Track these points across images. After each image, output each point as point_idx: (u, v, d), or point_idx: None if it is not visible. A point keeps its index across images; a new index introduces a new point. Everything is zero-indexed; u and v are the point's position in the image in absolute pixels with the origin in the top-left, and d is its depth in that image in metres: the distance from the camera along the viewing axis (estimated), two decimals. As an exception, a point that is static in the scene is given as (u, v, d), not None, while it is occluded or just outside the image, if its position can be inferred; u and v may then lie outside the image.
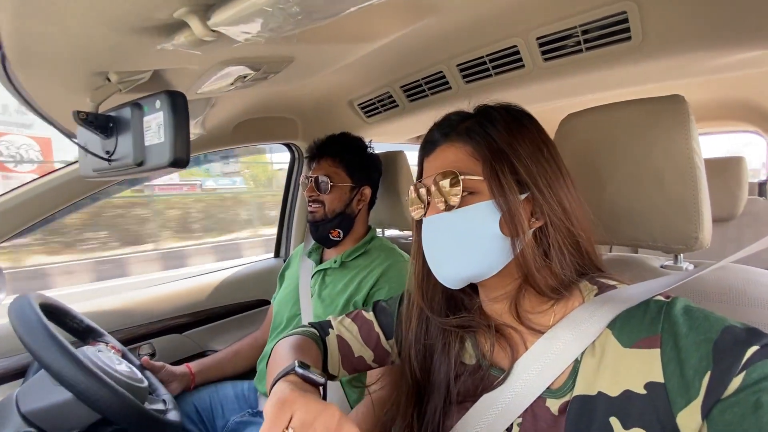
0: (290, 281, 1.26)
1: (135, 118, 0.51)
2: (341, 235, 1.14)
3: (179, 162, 0.48)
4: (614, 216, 0.68)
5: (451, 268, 0.52)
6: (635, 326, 0.45)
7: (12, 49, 0.45)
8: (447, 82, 1.10)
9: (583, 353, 0.47)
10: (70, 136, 0.62)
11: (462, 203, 0.49)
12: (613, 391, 0.43)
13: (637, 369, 0.43)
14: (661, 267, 0.71)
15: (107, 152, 0.55)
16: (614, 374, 0.44)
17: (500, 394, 0.50)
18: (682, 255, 0.70)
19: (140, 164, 0.51)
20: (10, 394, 0.78)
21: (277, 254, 1.72)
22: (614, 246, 0.93)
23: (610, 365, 0.45)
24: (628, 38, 0.78)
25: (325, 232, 1.13)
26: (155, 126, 0.49)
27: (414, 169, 0.70)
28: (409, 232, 1.35)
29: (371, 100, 1.31)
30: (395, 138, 1.68)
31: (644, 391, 0.42)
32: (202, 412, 1.15)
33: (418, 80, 1.14)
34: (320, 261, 1.22)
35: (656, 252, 0.74)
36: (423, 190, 0.53)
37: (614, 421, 0.42)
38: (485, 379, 0.53)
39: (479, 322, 0.55)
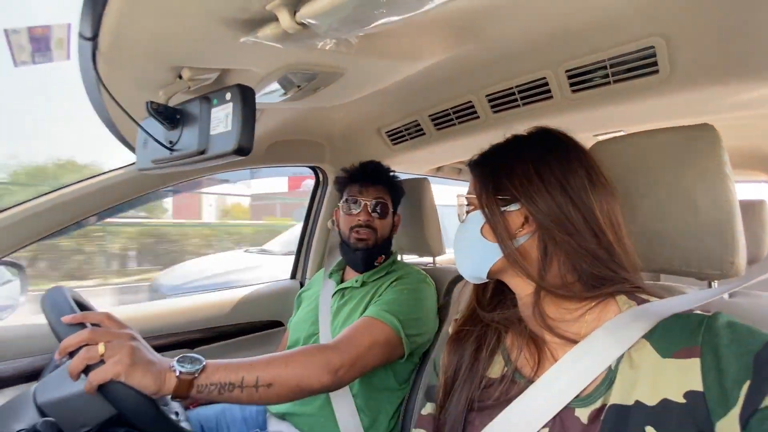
0: (309, 302, 1.25)
1: (203, 110, 0.55)
2: (383, 260, 1.15)
3: (243, 149, 0.51)
4: (645, 241, 0.68)
5: (461, 264, 0.63)
6: (674, 337, 0.46)
7: (105, 40, 0.50)
8: (475, 112, 1.15)
9: (618, 362, 0.48)
10: (126, 139, 0.66)
11: (466, 214, 0.63)
12: (651, 400, 0.44)
13: (676, 378, 0.43)
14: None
15: (170, 142, 0.58)
16: (652, 383, 0.44)
17: (526, 402, 0.51)
18: (716, 282, 0.70)
19: (203, 152, 0.54)
20: (28, 389, 0.77)
21: (293, 276, 1.71)
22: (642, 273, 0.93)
23: (649, 374, 0.45)
24: (656, 71, 0.83)
25: (374, 258, 1.13)
26: (223, 116, 0.53)
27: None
28: (429, 259, 1.35)
29: (399, 128, 1.37)
30: (417, 168, 1.73)
31: (683, 401, 0.42)
32: (208, 432, 1.10)
33: (447, 109, 1.20)
34: (341, 281, 1.22)
35: (688, 280, 0.73)
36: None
37: (651, 430, 0.42)
38: (511, 386, 0.55)
39: (515, 322, 0.60)
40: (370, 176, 1.16)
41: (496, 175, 0.59)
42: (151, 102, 0.55)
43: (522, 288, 0.59)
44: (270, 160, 1.43)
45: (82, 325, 0.65)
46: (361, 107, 1.22)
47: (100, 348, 0.60)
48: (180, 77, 0.59)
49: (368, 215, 1.12)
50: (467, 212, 0.63)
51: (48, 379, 0.78)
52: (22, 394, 0.77)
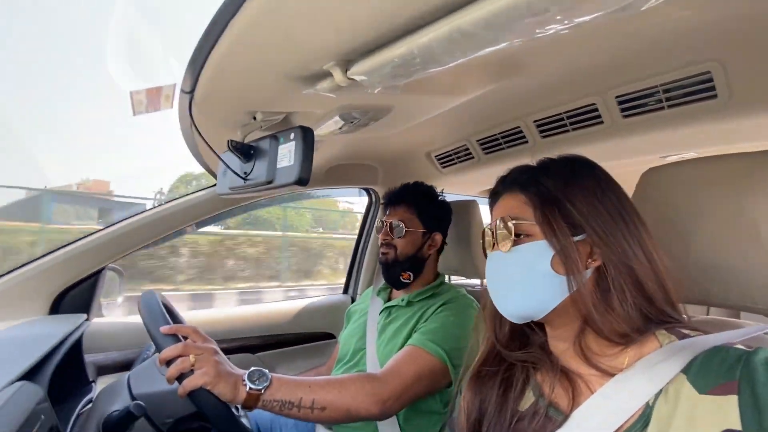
0: (358, 317, 1.31)
1: (271, 146, 0.66)
2: (411, 278, 1.19)
3: (302, 180, 0.61)
4: (703, 274, 0.65)
5: (509, 303, 0.56)
6: (712, 372, 0.44)
7: (199, 93, 0.63)
8: (524, 137, 1.17)
9: (656, 398, 0.46)
10: (209, 169, 0.78)
11: (515, 244, 0.55)
12: None
13: (714, 415, 0.42)
14: (765, 334, 0.65)
15: (245, 173, 0.70)
16: (690, 421, 0.43)
17: None
18: None
19: (270, 182, 0.65)
20: (123, 376, 0.92)
21: (345, 291, 1.80)
22: (712, 308, 0.87)
23: (685, 411, 0.44)
24: (714, 96, 0.80)
25: (396, 274, 1.19)
26: (287, 152, 0.62)
27: (486, 220, 0.76)
28: (476, 281, 1.36)
29: (448, 152, 1.42)
30: (468, 189, 1.76)
31: None
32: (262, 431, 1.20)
33: (495, 134, 1.23)
34: (388, 299, 1.28)
35: (759, 318, 0.68)
36: (489, 233, 0.60)
37: None
38: (546, 423, 0.52)
39: (543, 358, 0.57)
40: (393, 198, 1.25)
41: (557, 200, 0.55)
42: (232, 140, 0.67)
43: (563, 324, 0.55)
44: (329, 182, 1.55)
45: (175, 337, 0.77)
46: (412, 133, 1.29)
47: (192, 359, 0.71)
48: (254, 119, 0.70)
49: (386, 234, 1.20)
50: (514, 242, 0.55)
51: (140, 370, 0.92)
52: (117, 380, 0.92)
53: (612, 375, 0.50)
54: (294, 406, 0.77)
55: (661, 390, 0.46)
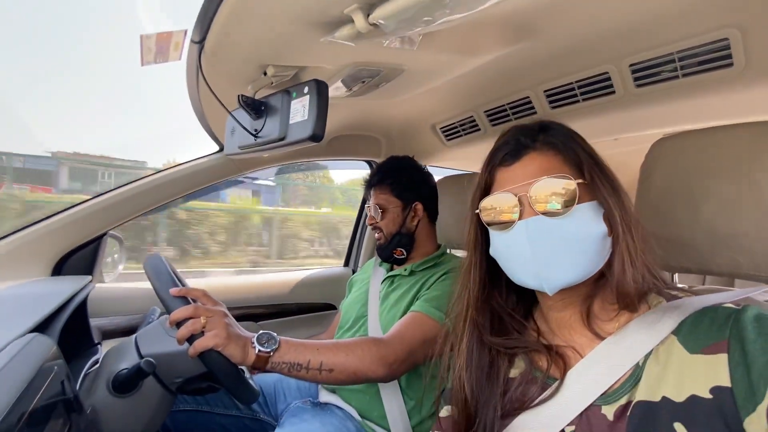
0: (360, 285, 1.33)
1: (284, 102, 0.64)
2: (404, 253, 1.20)
3: (316, 136, 0.59)
4: (710, 241, 0.66)
5: (559, 272, 0.51)
6: (702, 332, 0.45)
7: (210, 43, 0.60)
8: (532, 107, 1.15)
9: (646, 359, 0.47)
10: (213, 134, 0.77)
11: (568, 206, 0.51)
12: (679, 397, 0.43)
13: (704, 374, 0.43)
14: (767, 302, 0.66)
15: (255, 130, 0.68)
16: (679, 379, 0.44)
17: (549, 402, 0.51)
18: None
19: (282, 139, 0.63)
20: (130, 337, 0.92)
21: (346, 263, 1.81)
22: (708, 277, 0.88)
23: (675, 370, 0.45)
24: (730, 64, 0.79)
25: (388, 253, 1.21)
26: (301, 107, 0.61)
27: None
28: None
29: (453, 123, 1.40)
30: (471, 165, 1.75)
31: (710, 396, 0.41)
32: (266, 396, 1.22)
33: (503, 105, 1.21)
34: (391, 269, 1.29)
35: (758, 284, 0.69)
36: (511, 198, 0.53)
37: (679, 427, 0.42)
38: (535, 388, 0.54)
39: (533, 343, 0.57)
40: (370, 182, 1.27)
41: (592, 159, 0.54)
42: (242, 95, 0.66)
43: (577, 289, 0.53)
44: (330, 154, 1.54)
45: (184, 299, 0.77)
46: (417, 103, 1.27)
47: (203, 320, 0.72)
48: (265, 74, 0.68)
49: (372, 219, 1.23)
50: (567, 204, 0.50)
51: (147, 331, 0.92)
52: (125, 340, 0.92)
53: (603, 338, 0.51)
54: (303, 368, 0.79)
55: (651, 350, 0.47)
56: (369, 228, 1.76)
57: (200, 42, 0.60)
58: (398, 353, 0.89)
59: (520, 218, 0.53)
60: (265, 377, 1.27)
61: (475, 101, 1.25)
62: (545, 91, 1.08)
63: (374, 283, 1.27)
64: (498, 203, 0.55)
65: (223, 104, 0.67)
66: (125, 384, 0.79)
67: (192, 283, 1.39)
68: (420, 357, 0.93)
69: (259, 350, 0.74)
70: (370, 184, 1.26)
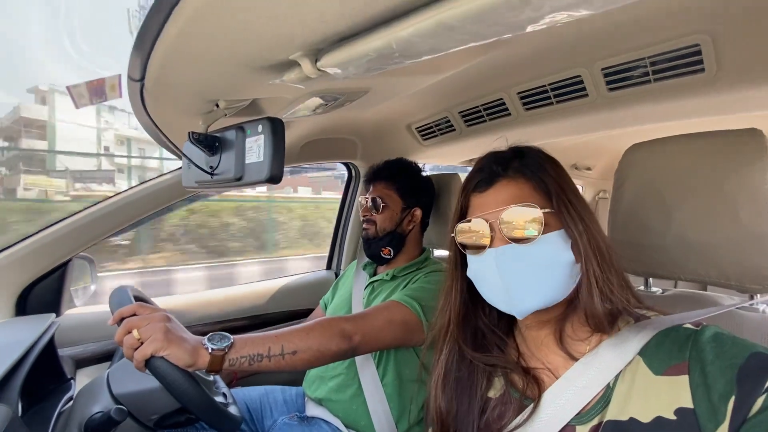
0: (344, 290, 1.32)
1: (238, 139, 0.60)
2: (392, 254, 1.20)
3: (274, 178, 0.56)
4: (681, 249, 0.66)
5: (527, 298, 0.52)
6: (665, 354, 0.47)
7: (150, 81, 0.55)
8: (506, 109, 1.13)
9: (616, 379, 0.49)
10: (179, 152, 0.72)
11: (540, 233, 0.52)
12: (645, 417, 0.45)
13: (667, 395, 0.44)
14: (736, 308, 0.67)
15: (210, 167, 0.64)
16: (645, 400, 0.46)
17: (525, 425, 0.52)
18: (759, 296, 0.67)
19: (239, 179, 0.59)
20: (102, 375, 0.89)
21: (329, 267, 1.79)
22: (680, 282, 0.90)
23: (641, 391, 0.46)
24: (701, 70, 0.77)
25: (376, 249, 1.20)
26: (256, 147, 0.57)
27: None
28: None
29: (429, 124, 1.37)
30: (448, 160, 1.72)
31: (675, 417, 0.43)
32: (252, 412, 1.22)
33: (477, 106, 1.18)
34: (374, 274, 1.28)
35: (729, 291, 0.70)
36: (483, 224, 0.54)
37: None
38: (512, 409, 0.55)
39: (511, 363, 0.58)
40: (374, 175, 1.25)
41: (562, 188, 0.55)
42: (193, 132, 0.61)
43: (551, 311, 0.55)
44: (305, 158, 1.49)
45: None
46: (392, 106, 1.23)
47: (135, 334, 0.67)
48: (217, 106, 0.63)
49: (367, 210, 1.21)
50: (532, 232, 0.51)
51: (118, 367, 0.89)
52: (97, 378, 0.89)
53: (576, 359, 0.53)
54: (264, 357, 0.76)
55: (620, 371, 0.49)
56: (350, 229, 1.75)
57: (140, 80, 0.55)
58: (358, 327, 0.88)
59: (490, 245, 0.54)
60: (251, 392, 1.26)
61: (450, 102, 1.22)
62: (518, 93, 1.06)
63: (357, 289, 1.26)
64: (471, 228, 0.57)
65: (173, 144, 0.63)
66: (98, 430, 0.76)
67: (162, 301, 1.35)
68: (387, 337, 0.93)
69: (212, 349, 0.70)
70: (376, 177, 1.24)
